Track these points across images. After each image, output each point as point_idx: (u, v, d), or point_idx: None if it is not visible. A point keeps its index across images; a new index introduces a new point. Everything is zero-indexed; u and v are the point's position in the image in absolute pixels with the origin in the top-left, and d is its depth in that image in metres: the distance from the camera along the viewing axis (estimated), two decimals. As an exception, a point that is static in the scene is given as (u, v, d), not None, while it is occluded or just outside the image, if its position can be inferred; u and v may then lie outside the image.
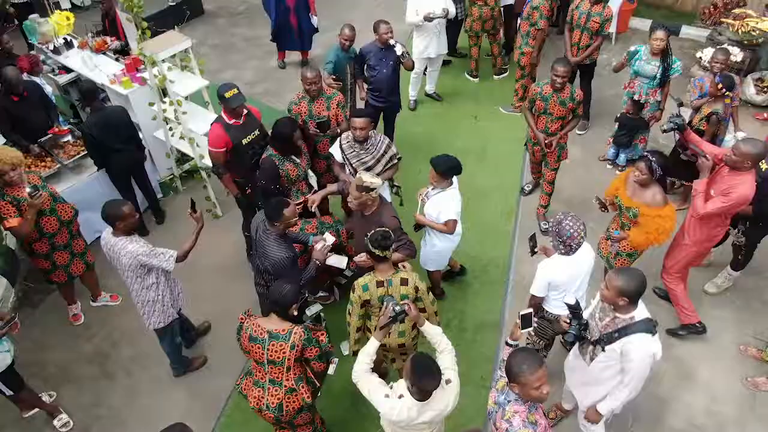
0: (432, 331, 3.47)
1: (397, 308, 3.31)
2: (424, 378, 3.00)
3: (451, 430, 4.01)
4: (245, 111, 4.92)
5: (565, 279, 3.83)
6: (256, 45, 9.08)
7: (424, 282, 3.83)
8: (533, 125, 5.50)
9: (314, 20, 8.17)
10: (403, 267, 3.96)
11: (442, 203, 4.49)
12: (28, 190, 4.36)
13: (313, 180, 5.10)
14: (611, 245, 4.62)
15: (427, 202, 4.60)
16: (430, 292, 3.90)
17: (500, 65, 8.01)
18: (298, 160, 4.83)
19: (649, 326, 3.29)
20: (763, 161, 4.49)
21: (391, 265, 3.75)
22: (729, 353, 4.86)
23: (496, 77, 8.10)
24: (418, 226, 4.82)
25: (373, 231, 3.63)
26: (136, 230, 4.16)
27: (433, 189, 4.56)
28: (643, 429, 4.40)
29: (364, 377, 3.34)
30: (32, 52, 6.39)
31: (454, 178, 4.52)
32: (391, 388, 3.24)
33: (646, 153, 4.21)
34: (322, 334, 3.66)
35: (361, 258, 4.12)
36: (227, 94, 4.72)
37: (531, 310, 3.35)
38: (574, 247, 3.74)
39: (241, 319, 3.62)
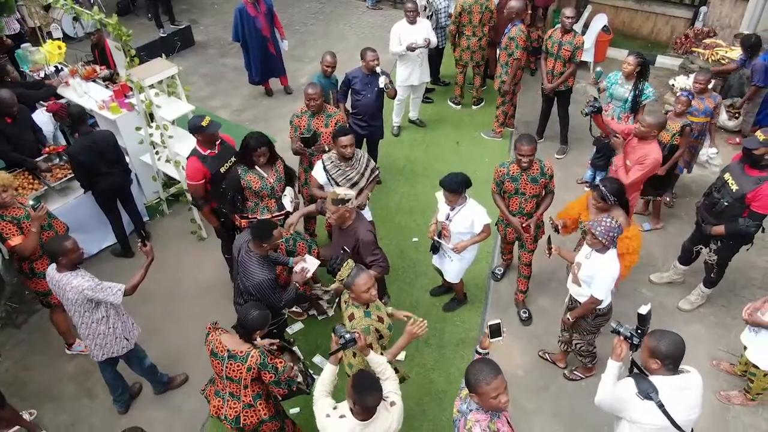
0: (377, 360, 3.49)
1: (347, 336, 3.33)
2: (365, 394, 3.00)
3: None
4: (219, 140, 5.01)
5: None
6: (244, 74, 9.27)
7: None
8: (504, 209, 5.04)
9: (284, 44, 8.39)
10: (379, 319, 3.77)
11: (471, 214, 4.67)
12: (30, 203, 4.48)
13: (286, 200, 5.00)
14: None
15: (450, 224, 4.76)
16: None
17: (478, 96, 8.28)
18: (264, 174, 4.80)
19: (643, 387, 3.13)
20: (733, 182, 4.69)
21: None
22: (703, 368, 4.93)
23: (474, 107, 8.35)
24: (436, 249, 5.00)
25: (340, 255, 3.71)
26: (80, 264, 4.10)
27: (452, 210, 4.72)
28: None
29: (319, 401, 3.34)
30: (62, 101, 6.53)
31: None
32: (335, 408, 3.23)
33: (597, 182, 4.34)
34: (280, 363, 3.66)
35: (334, 286, 4.26)
36: (203, 123, 4.80)
37: (499, 320, 3.40)
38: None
39: (209, 328, 3.68)
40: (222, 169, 4.96)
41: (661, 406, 3.08)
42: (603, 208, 4.38)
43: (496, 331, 3.38)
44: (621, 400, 3.23)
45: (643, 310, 3.38)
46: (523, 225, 4.99)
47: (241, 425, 3.62)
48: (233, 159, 5.04)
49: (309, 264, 4.39)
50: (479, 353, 3.43)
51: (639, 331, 3.37)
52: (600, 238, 3.92)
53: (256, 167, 4.77)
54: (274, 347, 3.86)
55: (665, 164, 5.53)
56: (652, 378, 3.16)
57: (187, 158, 5.01)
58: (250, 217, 4.83)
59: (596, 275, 4.06)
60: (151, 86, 5.73)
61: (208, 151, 4.96)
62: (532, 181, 4.81)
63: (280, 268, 4.65)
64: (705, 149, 6.13)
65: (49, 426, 4.68)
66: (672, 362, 3.12)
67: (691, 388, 3.16)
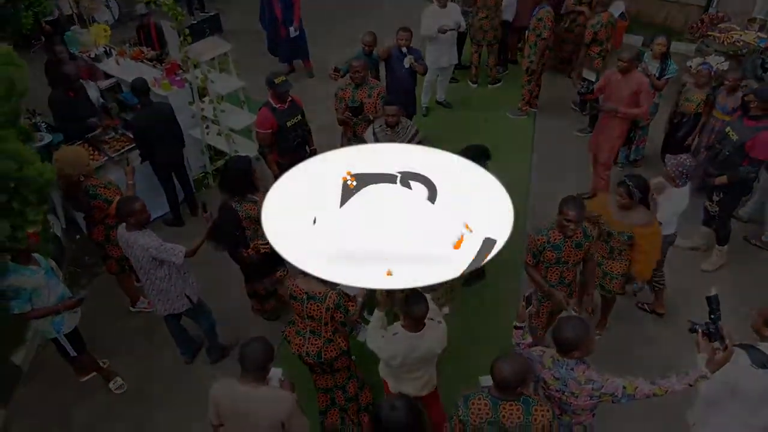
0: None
1: None
2: (415, 304, 3.47)
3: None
4: (290, 98, 5.49)
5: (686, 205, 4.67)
6: (270, 60, 9.63)
7: None
8: (543, 283, 4.32)
9: (291, 30, 8.62)
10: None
11: None
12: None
13: None
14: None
15: None
16: None
17: (494, 75, 8.67)
18: (256, 198, 4.65)
19: (756, 356, 3.22)
20: (733, 133, 5.15)
21: None
22: (728, 324, 5.29)
23: (490, 86, 8.75)
24: None
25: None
26: (147, 224, 4.42)
27: None
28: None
29: (371, 333, 3.75)
30: (83, 59, 6.88)
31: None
32: (386, 330, 3.68)
33: (624, 178, 4.36)
34: (352, 305, 3.98)
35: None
36: (276, 80, 5.33)
37: (531, 290, 3.74)
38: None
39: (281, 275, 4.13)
40: (288, 123, 5.49)
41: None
42: (626, 206, 4.35)
43: (529, 300, 3.70)
44: (729, 373, 3.20)
45: (711, 293, 3.33)
46: (574, 308, 4.43)
47: (323, 359, 4.00)
48: (299, 116, 5.57)
49: None
50: (519, 327, 3.60)
51: (712, 317, 3.30)
52: (668, 167, 4.37)
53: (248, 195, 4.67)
54: None
55: (690, 133, 5.98)
56: (761, 345, 3.30)
57: (260, 108, 5.52)
58: (256, 244, 4.64)
59: (664, 201, 4.55)
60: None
61: (279, 104, 5.45)
62: (576, 246, 4.19)
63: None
64: None
65: (124, 373, 5.04)
66: None
67: None
